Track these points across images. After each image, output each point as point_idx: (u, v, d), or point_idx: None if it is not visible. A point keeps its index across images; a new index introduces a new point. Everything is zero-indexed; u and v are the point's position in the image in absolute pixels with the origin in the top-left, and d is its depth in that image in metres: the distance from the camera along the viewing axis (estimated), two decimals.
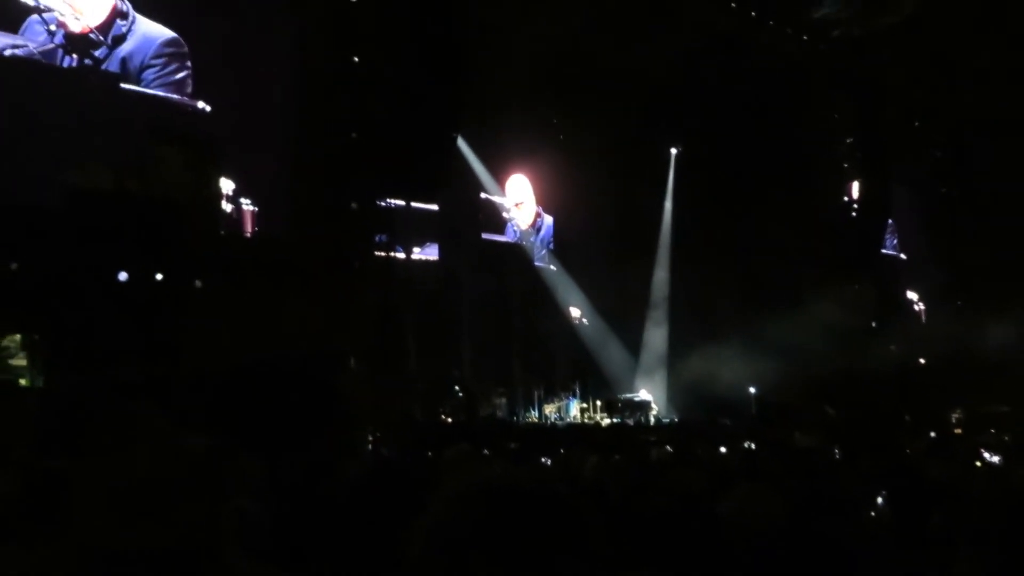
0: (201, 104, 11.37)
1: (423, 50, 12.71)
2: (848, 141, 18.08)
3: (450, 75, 12.90)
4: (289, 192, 12.27)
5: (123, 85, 10.76)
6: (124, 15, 10.69)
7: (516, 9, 14.35)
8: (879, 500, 3.73)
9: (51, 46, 10.21)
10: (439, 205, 14.90)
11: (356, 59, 12.52)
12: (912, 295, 20.52)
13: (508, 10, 14.35)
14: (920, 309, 20.53)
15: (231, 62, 11.57)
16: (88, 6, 10.47)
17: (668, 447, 7.46)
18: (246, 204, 11.82)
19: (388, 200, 13.48)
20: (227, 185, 11.58)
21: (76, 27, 10.32)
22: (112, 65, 10.66)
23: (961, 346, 15.55)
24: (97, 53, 10.56)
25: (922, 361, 17.90)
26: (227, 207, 11.61)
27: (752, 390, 15.38)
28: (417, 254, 14.59)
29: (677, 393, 16.86)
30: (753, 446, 7.69)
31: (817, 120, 17.76)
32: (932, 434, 11.23)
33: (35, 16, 10.05)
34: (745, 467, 4.02)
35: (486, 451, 6.91)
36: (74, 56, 10.36)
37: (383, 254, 13.34)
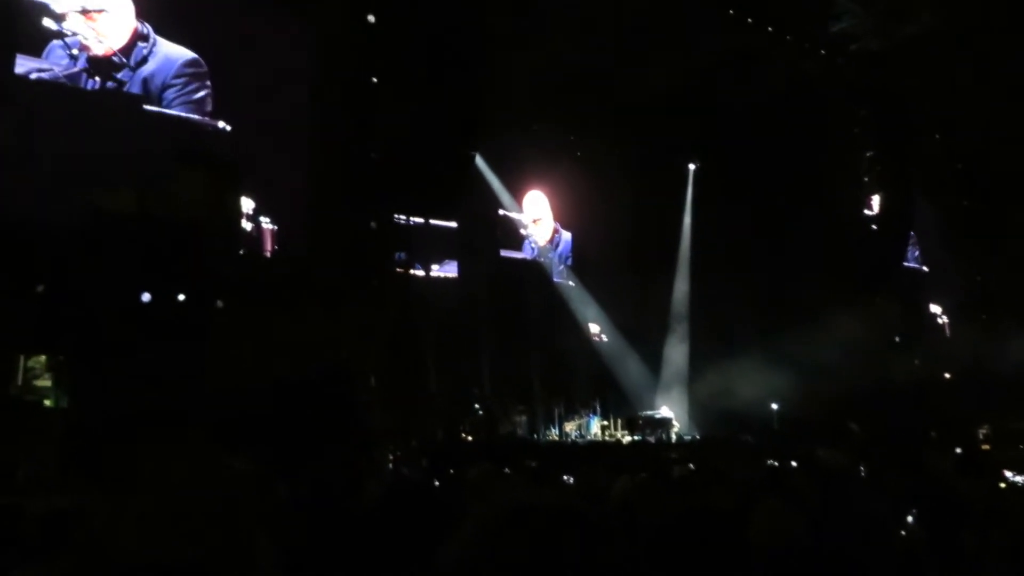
0: (222, 124, 11.51)
1: (440, 69, 12.80)
2: (868, 155, 17.95)
3: (467, 93, 12.97)
4: (308, 210, 12.35)
5: (145, 107, 10.90)
6: (145, 38, 10.90)
7: (533, 26, 14.42)
8: (909, 519, 3.67)
9: (75, 70, 10.37)
10: (457, 222, 14.96)
11: (374, 79, 12.62)
12: (935, 309, 20.27)
13: (525, 28, 14.42)
14: (944, 323, 20.27)
15: (250, 82, 11.71)
16: (110, 30, 10.67)
17: (690, 464, 7.39)
18: (266, 223, 11.90)
19: (407, 218, 13.54)
20: (247, 204, 11.68)
21: (99, 50, 10.53)
22: (134, 86, 10.83)
23: (986, 360, 15.32)
24: (120, 75, 10.75)
25: (947, 376, 17.65)
26: (247, 226, 11.70)
27: (774, 406, 15.24)
28: (436, 271, 14.63)
29: (698, 410, 16.74)
30: (776, 463, 7.60)
31: (836, 134, 17.66)
32: (959, 450, 11.05)
33: (58, 41, 10.24)
34: (770, 484, 3.96)
35: (507, 470, 6.87)
36: (97, 79, 10.54)
37: (402, 271, 13.38)
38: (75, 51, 10.37)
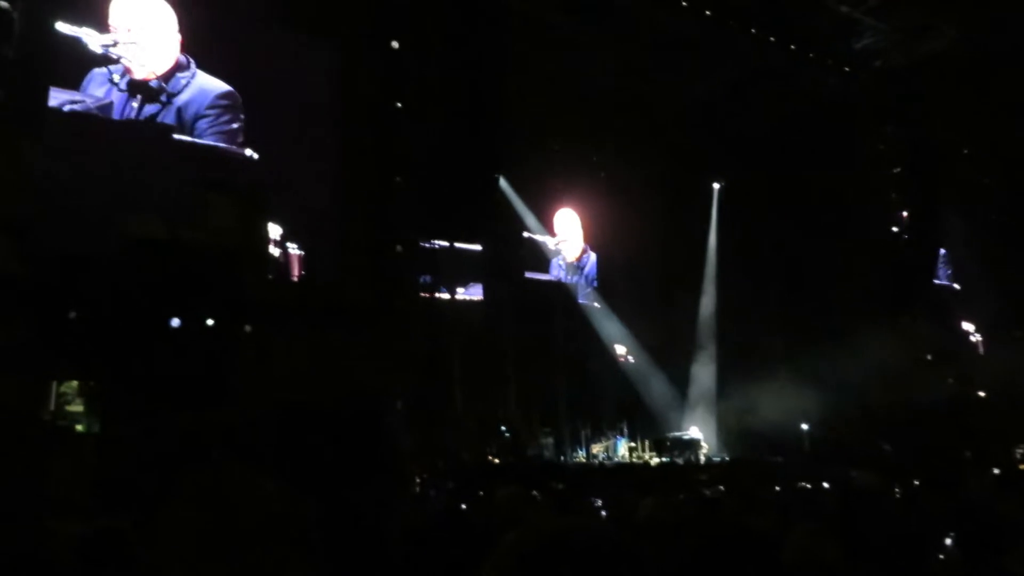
0: (249, 152, 11.69)
1: (464, 92, 12.92)
2: (896, 171, 17.79)
3: (490, 116, 13.07)
4: (334, 235, 12.46)
5: (175, 136, 11.11)
6: (185, 68, 11.25)
7: (557, 48, 14.53)
8: (947, 542, 3.59)
9: (107, 101, 10.61)
10: (482, 245, 15.00)
11: (399, 104, 12.76)
12: (968, 326, 19.95)
13: (549, 49, 14.54)
14: (977, 340, 19.93)
15: (279, 111, 11.91)
16: (154, 55, 11.04)
17: (720, 487, 7.30)
18: (293, 249, 12.03)
19: (432, 241, 13.62)
20: (275, 230, 11.82)
21: (140, 74, 10.89)
22: (169, 115, 11.11)
23: (1022, 377, 15.02)
24: (157, 101, 11.07)
25: (981, 394, 17.33)
26: (275, 252, 11.83)
27: (804, 427, 15.04)
28: (461, 294, 14.66)
29: (727, 431, 16.56)
30: (808, 485, 7.49)
31: (862, 151, 17.54)
32: (996, 471, 10.82)
33: (100, 69, 10.59)
34: (803, 507, 3.90)
35: (535, 492, 6.83)
36: (136, 102, 10.86)
37: (428, 295, 13.43)
38: (116, 76, 10.69)
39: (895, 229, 18.08)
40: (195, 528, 1.32)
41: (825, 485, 6.92)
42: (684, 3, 13.86)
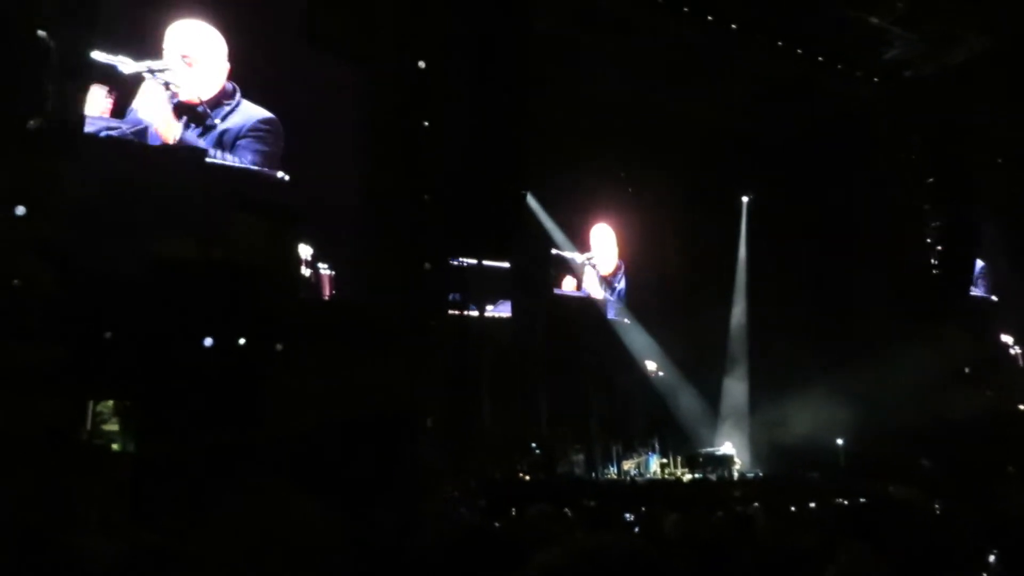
0: (280, 174, 11.86)
1: (491, 110, 12.98)
2: (928, 181, 17.54)
3: (518, 133, 13.12)
4: (364, 255, 12.56)
5: (208, 159, 11.31)
6: (231, 96, 11.61)
7: (584, 64, 14.58)
8: (991, 559, 3.50)
9: (142, 126, 10.84)
10: (510, 262, 15.03)
11: (426, 123, 12.85)
12: (1007, 339, 19.55)
13: (576, 66, 14.60)
14: (1017, 353, 19.52)
15: (310, 132, 12.09)
16: (203, 80, 11.41)
17: (755, 503, 7.20)
18: (324, 269, 12.16)
19: (461, 259, 13.66)
20: (306, 251, 11.95)
21: (186, 96, 11.24)
22: (211, 138, 11.40)
23: None
24: (202, 124, 11.40)
25: (1022, 407, 16.95)
26: (306, 272, 11.96)
27: (839, 442, 14.79)
28: (490, 311, 14.69)
29: (760, 446, 16.34)
30: (846, 501, 7.36)
31: (893, 162, 17.34)
32: None
33: (145, 92, 10.91)
34: (843, 524, 3.83)
35: (566, 509, 6.78)
36: (182, 119, 11.19)
37: (457, 312, 13.46)
38: (162, 103, 11.03)
39: (929, 240, 17.81)
40: (232, 546, 1.33)
41: (862, 501, 6.79)
42: (709, 17, 13.85)
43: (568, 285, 16.95)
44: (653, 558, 1.12)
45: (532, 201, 15.58)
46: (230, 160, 11.52)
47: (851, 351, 15.09)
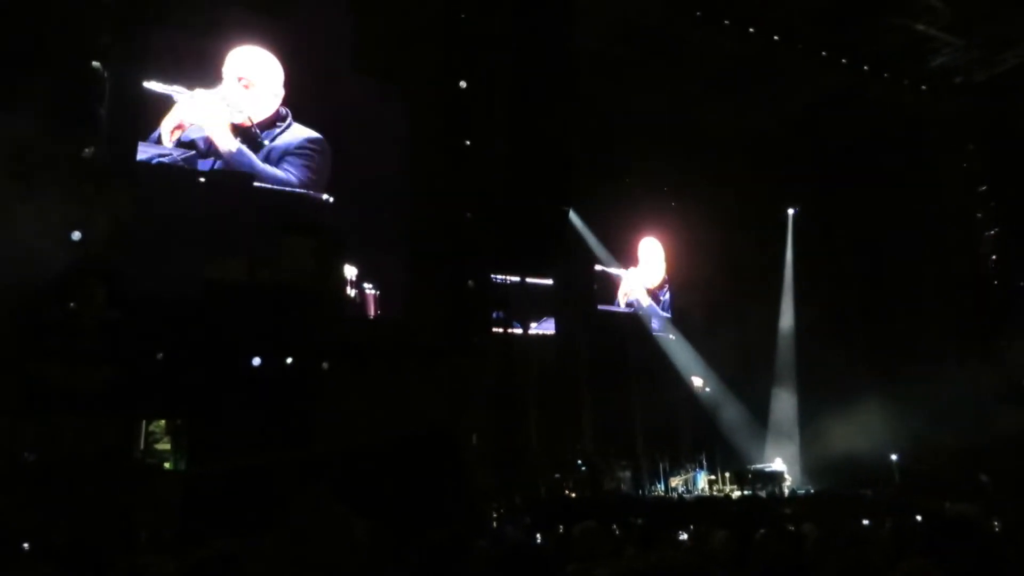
0: (325, 196, 12.06)
1: (532, 127, 13.04)
2: (981, 189, 17.11)
3: (559, 149, 13.14)
4: (408, 274, 12.67)
5: (255, 184, 11.55)
6: (283, 119, 11.94)
7: (626, 80, 14.58)
8: None
9: (191, 153, 11.13)
10: (553, 279, 15.02)
11: (468, 142, 12.96)
12: None
13: (617, 82, 14.60)
14: None
15: (354, 155, 12.29)
16: (257, 102, 11.76)
17: (807, 522, 7.03)
18: (369, 288, 12.28)
19: (503, 277, 13.70)
20: (351, 271, 12.10)
21: (238, 120, 11.57)
22: (260, 155, 11.68)
23: None
24: (252, 144, 11.69)
25: None
26: (351, 292, 12.11)
27: (893, 457, 14.42)
28: (534, 329, 14.68)
29: (811, 462, 16.00)
30: (903, 519, 7.16)
31: (944, 171, 16.96)
32: None
33: None
34: (901, 542, 3.72)
35: (614, 527, 6.72)
36: (236, 141, 11.53)
37: (501, 330, 13.48)
38: None
39: (983, 249, 17.35)
40: (282, 563, 1.35)
41: (918, 518, 6.60)
42: (751, 30, 13.76)
43: (611, 300, 16.89)
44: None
45: (575, 217, 15.58)
46: (278, 173, 11.81)
47: (905, 364, 14.73)
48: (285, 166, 11.87)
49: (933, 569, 2.38)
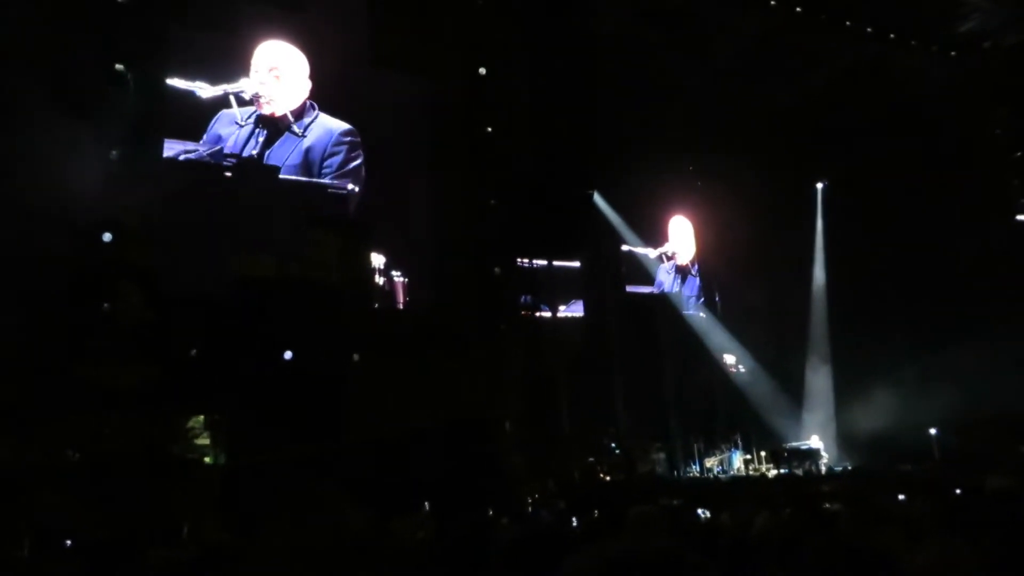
0: (351, 187, 12.12)
1: (555, 111, 12.98)
2: (1017, 155, 16.71)
3: (582, 132, 13.08)
4: (436, 261, 12.72)
5: (280, 176, 11.64)
6: (311, 111, 12.11)
7: (649, 58, 14.41)
8: None
9: (217, 147, 11.23)
10: (580, 262, 14.99)
11: (489, 128, 12.95)
12: None
13: (641, 61, 14.44)
14: None
15: (379, 143, 12.35)
16: (287, 92, 11.93)
17: (842, 500, 6.97)
18: (397, 276, 12.35)
19: (530, 261, 13.69)
20: (379, 260, 12.17)
21: (268, 111, 11.74)
22: (296, 155, 11.85)
23: None
24: (286, 134, 11.85)
25: None
26: (380, 281, 12.18)
27: (932, 432, 14.22)
28: (563, 312, 14.66)
29: (848, 439, 15.83)
30: (943, 495, 7.05)
31: (977, 138, 16.58)
32: None
33: (227, 110, 11.35)
34: (937, 519, 3.67)
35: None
36: (264, 133, 11.66)
37: (529, 314, 13.49)
38: (241, 120, 11.45)
39: (1020, 216, 16.96)
40: (318, 550, 1.37)
41: (958, 494, 6.50)
42: (772, 2, 13.53)
43: (641, 282, 16.81)
44: (682, 562, 1.11)
45: (599, 199, 15.50)
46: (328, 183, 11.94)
47: (943, 334, 14.46)
48: (329, 168, 11.96)
49: (960, 546, 2.34)
